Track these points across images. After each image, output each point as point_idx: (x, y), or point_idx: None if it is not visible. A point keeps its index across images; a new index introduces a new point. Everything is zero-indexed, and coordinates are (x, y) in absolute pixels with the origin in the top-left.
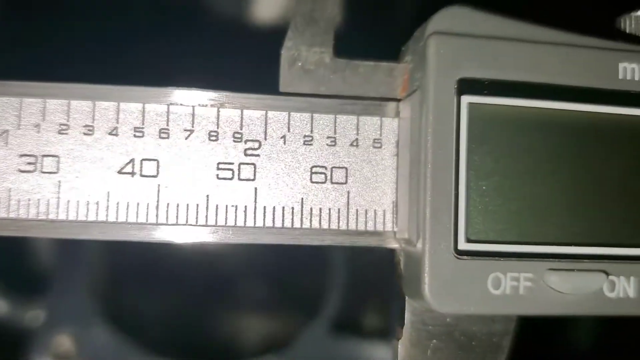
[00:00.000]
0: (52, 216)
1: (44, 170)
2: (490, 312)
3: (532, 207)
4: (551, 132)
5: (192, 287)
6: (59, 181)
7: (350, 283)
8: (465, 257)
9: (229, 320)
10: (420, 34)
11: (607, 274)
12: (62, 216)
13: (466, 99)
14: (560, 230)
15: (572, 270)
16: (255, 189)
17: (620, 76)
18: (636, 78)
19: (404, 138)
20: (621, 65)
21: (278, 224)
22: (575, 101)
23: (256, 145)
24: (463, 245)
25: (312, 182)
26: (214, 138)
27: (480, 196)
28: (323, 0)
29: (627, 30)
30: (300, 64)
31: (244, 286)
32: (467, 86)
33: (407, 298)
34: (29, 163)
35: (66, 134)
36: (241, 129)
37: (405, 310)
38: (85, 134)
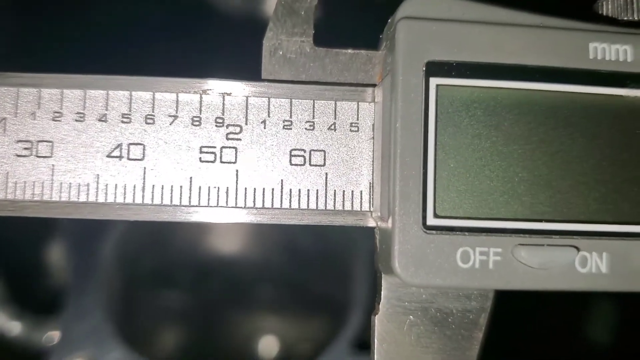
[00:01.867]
0: (46, 197)
1: (39, 154)
2: (459, 286)
3: (501, 184)
4: (520, 112)
5: (208, 301)
6: (53, 165)
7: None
8: (433, 232)
9: (246, 333)
10: (392, 20)
11: (578, 249)
12: (55, 197)
13: (435, 81)
14: (530, 206)
15: (542, 245)
16: (237, 171)
17: (591, 56)
18: (607, 57)
19: (378, 121)
20: (591, 45)
21: (259, 204)
22: (545, 81)
23: (237, 129)
24: (431, 221)
25: (291, 164)
26: (197, 123)
27: (448, 174)
28: None
29: (605, 12)
30: (281, 52)
31: (266, 294)
32: (435, 68)
33: (383, 275)
34: (25, 148)
35: (59, 120)
36: (223, 114)
37: (382, 287)
38: (76, 120)
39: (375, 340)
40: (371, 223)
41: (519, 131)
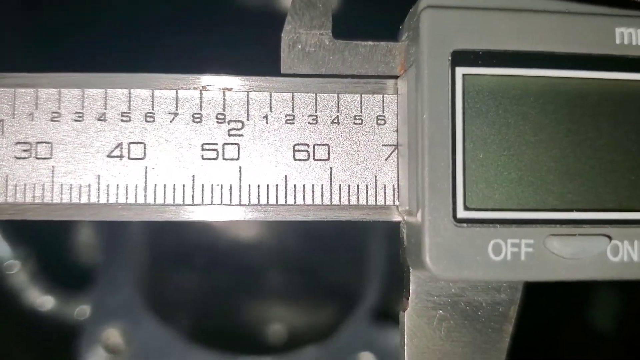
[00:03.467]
0: (47, 199)
1: (39, 156)
2: (491, 279)
3: (531, 174)
4: (548, 100)
5: (234, 275)
6: (53, 166)
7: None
8: (464, 224)
9: (257, 319)
10: (415, 9)
11: (610, 238)
12: (56, 199)
13: (460, 71)
14: (560, 196)
15: (574, 235)
16: (240, 167)
17: (617, 41)
18: (634, 42)
19: (403, 113)
20: (618, 30)
21: (263, 201)
22: (572, 68)
23: (239, 125)
24: (462, 214)
25: (295, 159)
26: (197, 120)
27: (477, 165)
28: None
29: None
30: (300, 46)
31: (285, 275)
32: (461, 58)
33: (411, 269)
34: (24, 150)
35: (58, 121)
36: (224, 110)
37: (410, 282)
38: (75, 120)
39: (405, 336)
40: (396, 217)
41: (547, 120)
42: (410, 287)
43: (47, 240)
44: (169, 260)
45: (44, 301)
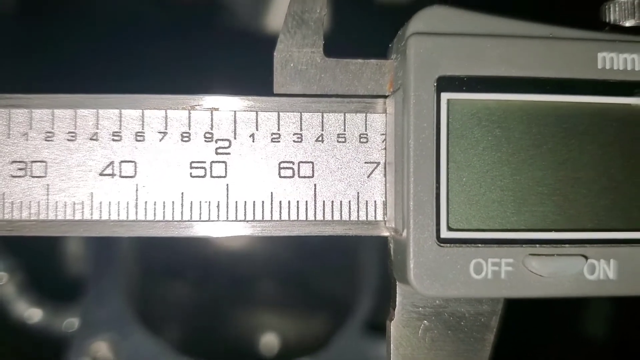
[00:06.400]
0: (42, 216)
1: (34, 174)
2: (472, 296)
3: (512, 195)
4: (529, 123)
5: (226, 287)
6: (47, 184)
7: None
8: (447, 244)
9: (249, 329)
10: (402, 33)
11: (587, 257)
12: (51, 216)
13: (445, 96)
14: (540, 216)
15: (552, 255)
16: (227, 185)
17: (600, 66)
18: (615, 67)
19: (391, 133)
20: (600, 55)
21: (250, 217)
22: (555, 93)
23: (226, 144)
24: (445, 234)
25: (280, 176)
26: (186, 139)
27: (461, 187)
28: (312, 1)
29: (611, 17)
30: (292, 64)
31: (277, 286)
32: (446, 83)
33: (397, 282)
34: (20, 169)
35: (52, 140)
36: (212, 130)
37: (397, 293)
38: (68, 139)
39: (392, 345)
40: (384, 232)
41: (529, 142)
42: (397, 299)
43: (36, 252)
44: (159, 272)
45: (32, 313)
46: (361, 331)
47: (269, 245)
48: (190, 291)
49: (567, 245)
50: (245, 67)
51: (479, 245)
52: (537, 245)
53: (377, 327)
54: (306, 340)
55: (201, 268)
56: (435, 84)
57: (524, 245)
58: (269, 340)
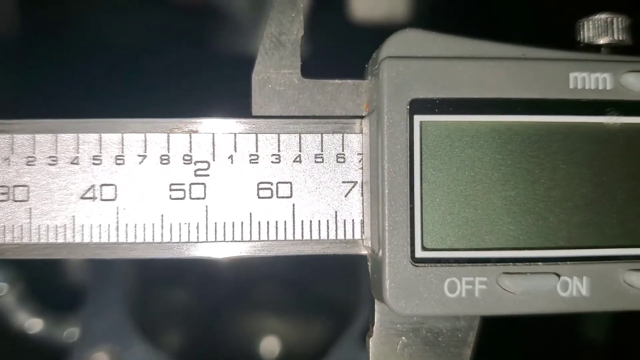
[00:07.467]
0: (25, 240)
1: (16, 199)
2: (447, 314)
3: (485, 215)
4: (502, 143)
5: (226, 296)
6: (30, 208)
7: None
8: (421, 264)
9: (249, 333)
10: (376, 56)
11: (559, 275)
12: (34, 239)
13: (418, 119)
14: (513, 235)
15: (525, 273)
16: (206, 206)
17: (571, 85)
18: (586, 86)
19: (366, 153)
20: (572, 75)
21: (229, 237)
22: (527, 113)
23: (205, 166)
24: (420, 254)
25: (259, 197)
26: (165, 161)
27: (434, 206)
28: (289, 23)
29: (585, 35)
30: (270, 85)
31: (278, 294)
32: (418, 106)
33: (376, 299)
34: (2, 193)
35: (33, 165)
36: (190, 152)
37: (375, 310)
38: (50, 164)
39: None
40: (362, 251)
41: (501, 162)
42: (375, 316)
43: (36, 263)
44: (159, 283)
45: (33, 324)
46: (361, 339)
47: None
48: (190, 301)
49: (540, 263)
50: (224, 90)
51: (453, 264)
52: (511, 263)
53: None
54: (306, 347)
55: (201, 278)
56: (408, 107)
57: (497, 264)
58: (269, 348)
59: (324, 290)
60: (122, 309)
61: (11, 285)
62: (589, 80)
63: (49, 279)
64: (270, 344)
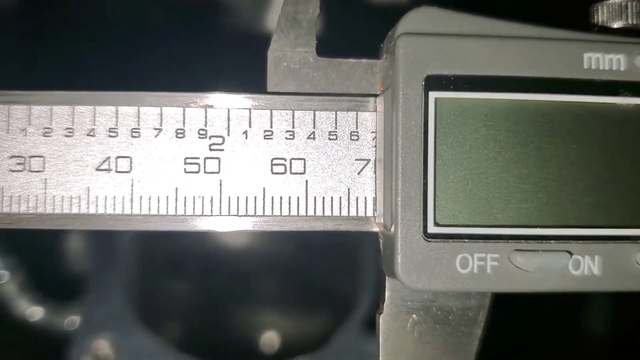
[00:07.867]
0: (40, 210)
1: (32, 169)
2: (458, 290)
3: (498, 192)
4: (516, 121)
5: (227, 285)
6: (45, 179)
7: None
8: (434, 239)
9: (250, 326)
10: (392, 33)
11: (571, 253)
12: (49, 210)
13: (433, 95)
14: (525, 213)
15: (537, 250)
16: (220, 180)
17: (585, 66)
18: (600, 67)
19: (381, 131)
20: (586, 55)
21: (242, 212)
22: (541, 92)
23: (220, 140)
24: (432, 229)
25: (272, 173)
26: (180, 135)
27: (448, 183)
28: (305, 1)
29: (600, 18)
30: (285, 63)
31: (278, 284)
32: (434, 83)
33: (386, 277)
34: (19, 163)
35: (50, 136)
36: (206, 126)
37: (386, 287)
38: (66, 135)
39: (380, 338)
40: (374, 228)
41: (515, 140)
42: (386, 293)
43: (37, 250)
44: (160, 270)
45: (34, 311)
46: (362, 328)
47: (270, 243)
48: (191, 289)
49: (552, 241)
50: (239, 65)
51: (465, 240)
52: (523, 241)
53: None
54: (307, 338)
55: (202, 266)
56: (423, 83)
57: (509, 241)
58: (270, 338)
59: (325, 281)
60: (122, 297)
61: (12, 273)
62: (603, 60)
63: (50, 267)
64: (271, 335)
